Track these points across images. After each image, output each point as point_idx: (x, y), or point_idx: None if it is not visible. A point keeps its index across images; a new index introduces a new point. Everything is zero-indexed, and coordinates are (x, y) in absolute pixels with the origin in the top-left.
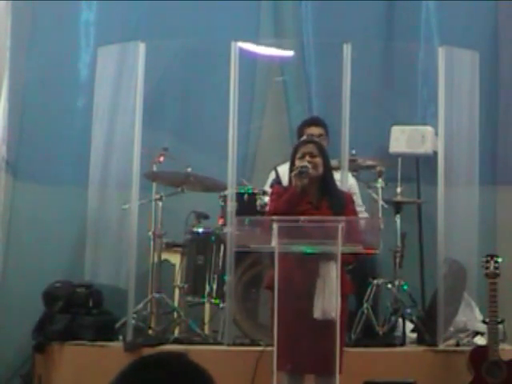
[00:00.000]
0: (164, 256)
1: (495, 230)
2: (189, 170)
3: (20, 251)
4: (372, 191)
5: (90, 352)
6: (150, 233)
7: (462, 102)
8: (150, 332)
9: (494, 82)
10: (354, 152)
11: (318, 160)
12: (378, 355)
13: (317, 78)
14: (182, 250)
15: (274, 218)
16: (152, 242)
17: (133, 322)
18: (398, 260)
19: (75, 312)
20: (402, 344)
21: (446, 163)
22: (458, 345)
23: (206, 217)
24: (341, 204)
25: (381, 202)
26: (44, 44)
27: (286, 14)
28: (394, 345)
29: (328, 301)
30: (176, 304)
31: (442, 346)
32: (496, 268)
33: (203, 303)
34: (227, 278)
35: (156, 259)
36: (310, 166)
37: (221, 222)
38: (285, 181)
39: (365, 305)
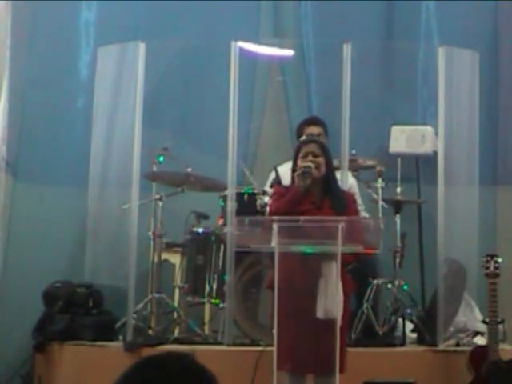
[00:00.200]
0: (164, 256)
1: (495, 230)
2: (189, 169)
3: (20, 251)
4: (372, 191)
5: (90, 352)
6: (150, 233)
7: (462, 102)
8: (150, 332)
9: (494, 81)
10: (353, 152)
11: (321, 160)
12: (378, 355)
13: (317, 78)
14: (182, 250)
15: (274, 217)
16: (152, 242)
17: (133, 322)
18: (398, 260)
19: (75, 312)
20: (402, 344)
21: (446, 163)
22: (458, 345)
23: (206, 217)
24: (343, 204)
25: (381, 202)
26: (44, 44)
27: (285, 13)
28: (393, 345)
29: (330, 300)
30: (176, 304)
31: (441, 346)
32: (496, 268)
33: (203, 303)
34: (227, 278)
35: (156, 259)
36: (313, 166)
37: (221, 222)
38: (285, 181)
39: (365, 305)
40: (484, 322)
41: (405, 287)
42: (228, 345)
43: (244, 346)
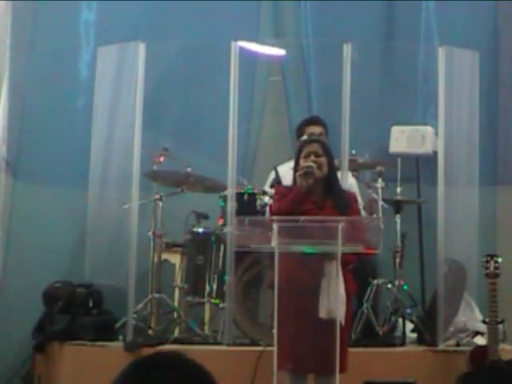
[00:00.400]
0: (164, 256)
1: (495, 230)
2: (189, 169)
3: (20, 251)
4: (372, 191)
5: (90, 352)
6: (150, 233)
7: (462, 102)
8: (150, 332)
9: (494, 82)
10: (353, 152)
11: (323, 160)
12: (378, 355)
13: (317, 78)
14: (182, 250)
15: (274, 217)
16: (152, 242)
17: (133, 322)
18: (398, 260)
19: (75, 312)
20: (402, 344)
21: (446, 163)
22: (458, 345)
23: (206, 217)
24: (345, 204)
25: (381, 202)
26: (44, 44)
27: (285, 14)
28: (393, 345)
29: (333, 300)
30: (176, 304)
31: (441, 346)
32: (496, 268)
33: (203, 303)
34: (227, 278)
35: (156, 259)
36: (315, 166)
37: (221, 222)
38: (285, 181)
39: (365, 305)
40: (484, 322)
41: (405, 287)
42: (228, 345)
43: (244, 346)
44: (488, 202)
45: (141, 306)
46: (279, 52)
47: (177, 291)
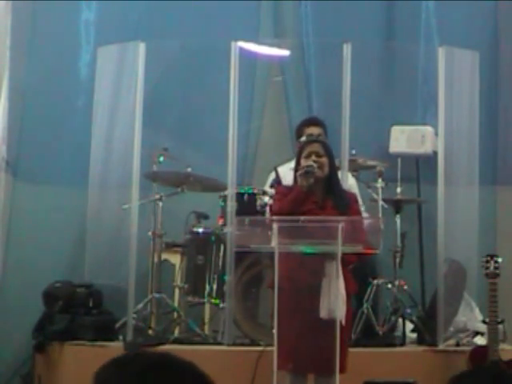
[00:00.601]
0: (164, 256)
1: (495, 230)
2: (189, 169)
3: (20, 251)
4: (372, 191)
5: (89, 352)
6: (150, 233)
7: (462, 102)
8: (150, 332)
9: (494, 82)
10: (353, 152)
11: (324, 160)
12: (378, 355)
13: (317, 78)
14: (182, 250)
15: (274, 217)
16: (152, 242)
17: (133, 322)
18: (398, 260)
19: (75, 312)
20: (402, 344)
21: (446, 163)
22: (458, 345)
23: (206, 217)
24: (345, 204)
25: (381, 202)
26: (44, 44)
27: (286, 13)
28: (393, 345)
29: (334, 300)
30: (176, 304)
31: (442, 346)
32: (496, 268)
33: (203, 303)
34: (227, 278)
35: (156, 259)
36: (315, 165)
37: (221, 222)
38: (285, 181)
39: (365, 305)
40: (484, 322)
41: (405, 287)
42: (228, 345)
43: (244, 346)
44: (488, 202)
45: (141, 306)
46: (282, 52)
47: (177, 291)
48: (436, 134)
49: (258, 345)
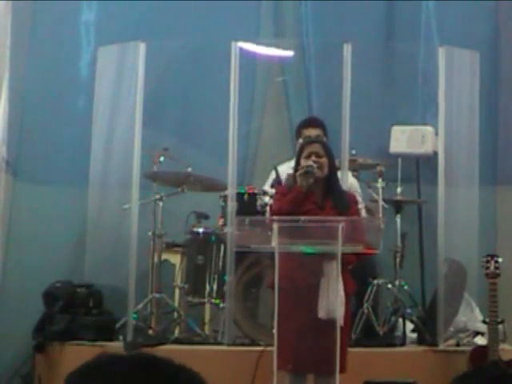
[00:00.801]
0: (164, 256)
1: (495, 230)
2: (189, 169)
3: (20, 251)
4: (372, 191)
5: (90, 352)
6: (150, 233)
7: (462, 102)
8: (150, 332)
9: (494, 82)
10: (353, 152)
11: (324, 160)
12: (378, 355)
13: (317, 78)
14: (182, 250)
15: (274, 217)
16: (152, 242)
17: (133, 322)
18: (398, 260)
19: (75, 312)
20: (402, 344)
21: (446, 163)
22: (458, 345)
23: (206, 217)
24: (345, 204)
25: (381, 202)
26: (44, 44)
27: (286, 13)
28: (394, 345)
29: (332, 300)
30: (176, 304)
31: (442, 346)
32: (496, 268)
33: (203, 303)
34: (227, 277)
35: (156, 259)
36: (315, 166)
37: (221, 222)
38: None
39: (365, 305)
40: (484, 321)
41: (405, 287)
42: (228, 345)
43: (244, 346)
44: (488, 202)
45: (141, 306)
46: (285, 53)
47: (177, 291)
48: (436, 134)
49: (258, 345)
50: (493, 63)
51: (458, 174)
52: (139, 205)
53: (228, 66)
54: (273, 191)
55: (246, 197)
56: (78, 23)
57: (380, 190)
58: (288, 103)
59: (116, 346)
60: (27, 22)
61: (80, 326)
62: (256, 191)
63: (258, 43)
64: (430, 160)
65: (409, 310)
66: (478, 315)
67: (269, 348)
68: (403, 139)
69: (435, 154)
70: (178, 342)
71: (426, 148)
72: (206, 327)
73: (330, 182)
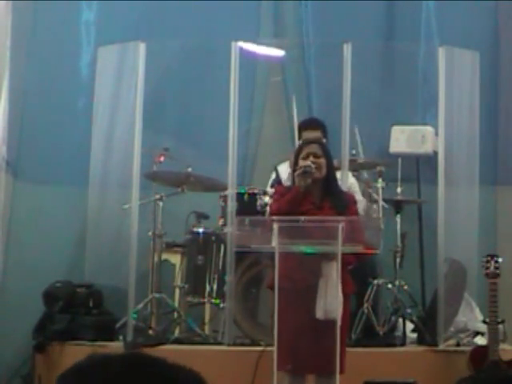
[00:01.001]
0: (164, 256)
1: (495, 230)
2: (189, 169)
3: (20, 251)
4: (372, 191)
5: (90, 352)
6: (150, 233)
7: (462, 102)
8: (150, 332)
9: (494, 82)
10: (354, 152)
11: (322, 161)
12: (378, 355)
13: (317, 78)
14: (182, 250)
15: (275, 218)
16: (152, 242)
17: (133, 322)
18: (398, 260)
19: (75, 312)
20: (403, 344)
21: (446, 163)
22: (458, 345)
23: (206, 217)
24: (343, 205)
25: (381, 202)
26: (44, 44)
27: (286, 13)
28: (394, 345)
29: (330, 301)
30: (176, 304)
31: (442, 346)
32: (496, 268)
33: (203, 303)
34: (227, 277)
35: (156, 259)
36: (313, 166)
37: (221, 222)
38: (285, 179)
39: (365, 305)
40: (484, 321)
41: (405, 287)
42: (228, 345)
43: (244, 346)
44: (488, 202)
45: (141, 306)
46: (279, 52)
47: (177, 291)
48: (436, 133)
49: (258, 345)
50: (493, 63)
51: (458, 173)
52: (139, 205)
53: (228, 66)
54: (272, 191)
55: (246, 197)
56: (78, 23)
57: (380, 190)
58: (288, 103)
59: (116, 346)
60: (27, 21)
61: (80, 325)
62: (256, 191)
63: (258, 43)
64: (430, 160)
65: (409, 310)
66: (478, 315)
67: (269, 348)
68: (403, 139)
69: (435, 153)
70: (178, 342)
71: (425, 148)
72: (206, 327)
73: (328, 183)
